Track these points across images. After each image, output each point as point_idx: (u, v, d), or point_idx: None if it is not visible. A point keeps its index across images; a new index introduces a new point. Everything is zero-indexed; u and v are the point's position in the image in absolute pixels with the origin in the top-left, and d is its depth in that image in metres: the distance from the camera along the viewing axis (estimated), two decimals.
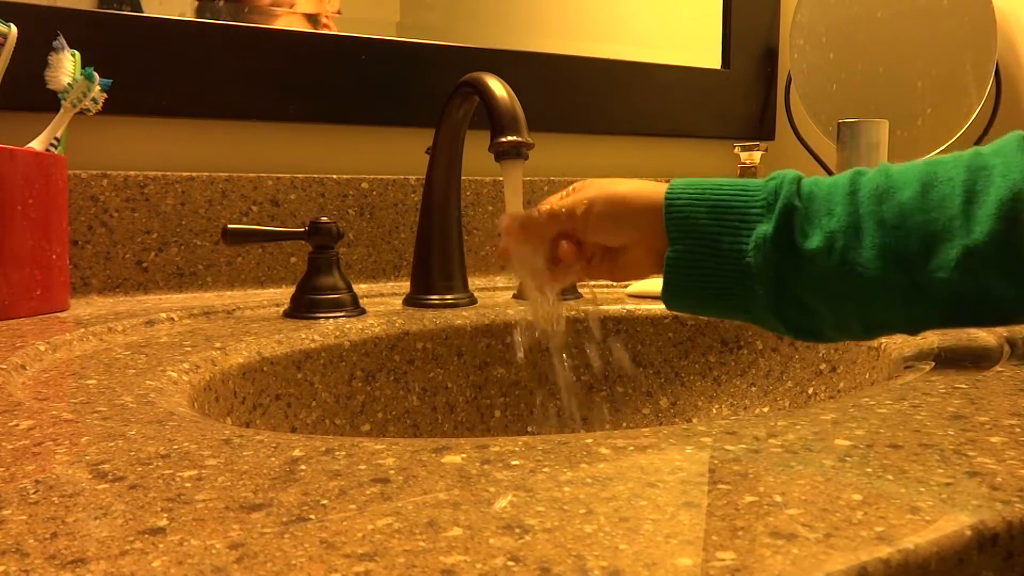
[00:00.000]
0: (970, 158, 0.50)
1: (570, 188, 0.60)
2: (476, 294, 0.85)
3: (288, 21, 0.93)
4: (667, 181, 0.56)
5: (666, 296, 0.55)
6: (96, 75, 0.71)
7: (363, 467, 0.32)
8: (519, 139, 0.69)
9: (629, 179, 0.59)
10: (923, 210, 0.49)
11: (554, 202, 0.59)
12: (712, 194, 0.54)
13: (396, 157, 1.00)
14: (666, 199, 0.55)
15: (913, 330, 0.53)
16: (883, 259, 0.49)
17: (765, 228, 0.52)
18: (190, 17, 0.88)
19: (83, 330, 0.61)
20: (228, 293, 0.87)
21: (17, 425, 0.38)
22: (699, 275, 0.54)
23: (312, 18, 0.95)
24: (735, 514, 0.27)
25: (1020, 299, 0.48)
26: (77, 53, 0.72)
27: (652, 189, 0.56)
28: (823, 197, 0.53)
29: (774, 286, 0.52)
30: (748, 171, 1.16)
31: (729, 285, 0.53)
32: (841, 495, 0.28)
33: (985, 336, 0.59)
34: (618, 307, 0.83)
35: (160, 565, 0.23)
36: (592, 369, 0.82)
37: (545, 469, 0.31)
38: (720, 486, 0.29)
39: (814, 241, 0.51)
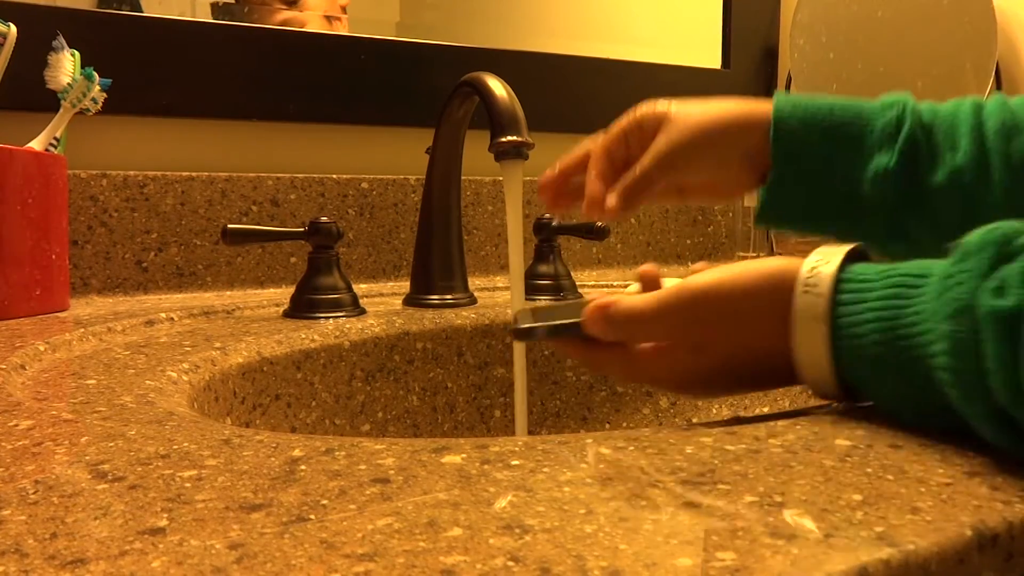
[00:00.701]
0: None
1: (633, 116, 0.55)
2: (476, 294, 0.85)
3: (312, 24, 0.94)
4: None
5: (762, 217, 0.53)
6: (96, 75, 0.71)
7: (363, 467, 0.32)
8: (519, 139, 0.69)
9: (707, 101, 0.54)
10: None
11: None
12: (826, 117, 0.50)
13: (396, 157, 1.00)
14: (774, 120, 0.51)
15: None
16: (1009, 199, 0.47)
17: (886, 160, 0.49)
18: (197, 18, 0.88)
19: (83, 330, 0.61)
20: (228, 293, 0.87)
21: (17, 425, 0.38)
22: (805, 200, 0.52)
23: (328, 17, 0.95)
24: (735, 514, 0.27)
25: None
26: (77, 53, 0.72)
27: (748, 109, 0.52)
28: (946, 129, 0.49)
29: (887, 217, 0.50)
30: None
31: (838, 213, 0.51)
32: (841, 495, 0.28)
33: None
34: None
35: (160, 565, 0.23)
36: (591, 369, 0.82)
37: (545, 469, 0.31)
38: (720, 486, 0.29)
39: (938, 177, 0.49)
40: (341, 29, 0.96)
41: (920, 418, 0.36)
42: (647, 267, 0.47)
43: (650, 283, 0.46)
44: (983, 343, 0.30)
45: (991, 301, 0.30)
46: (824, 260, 0.38)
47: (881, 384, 0.36)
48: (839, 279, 0.37)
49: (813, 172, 0.51)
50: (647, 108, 0.56)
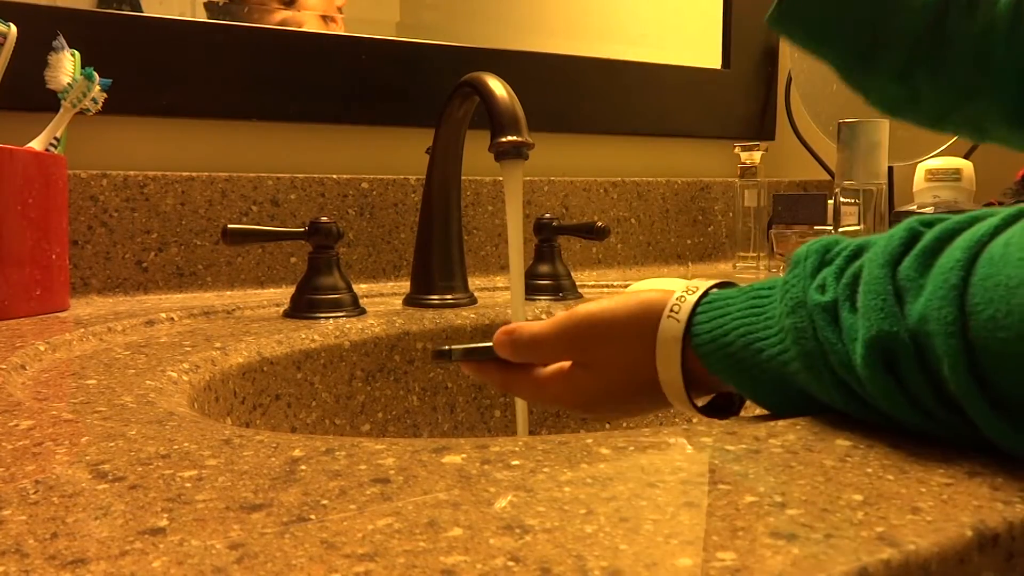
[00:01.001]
0: None
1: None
2: (476, 294, 0.85)
3: (309, 24, 0.93)
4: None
5: (783, 12, 0.55)
6: (96, 75, 0.71)
7: (363, 467, 0.32)
8: (519, 139, 0.69)
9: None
10: None
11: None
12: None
13: (396, 157, 1.00)
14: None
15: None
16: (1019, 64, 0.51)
17: None
18: (197, 18, 0.88)
19: (83, 330, 0.61)
20: (228, 293, 0.87)
21: (17, 425, 0.38)
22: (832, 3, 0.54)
23: (325, 17, 0.95)
24: (735, 514, 0.27)
25: None
26: (77, 53, 0.72)
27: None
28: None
29: (905, 52, 0.53)
30: (748, 171, 1.16)
31: (857, 31, 0.53)
32: (841, 495, 0.28)
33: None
34: None
35: (160, 565, 0.23)
36: None
37: (545, 469, 0.31)
38: (720, 486, 0.29)
39: (973, 25, 0.51)
40: (337, 30, 0.96)
41: (784, 407, 0.39)
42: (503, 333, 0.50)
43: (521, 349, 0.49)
44: (816, 330, 0.36)
45: (815, 296, 0.36)
46: (691, 290, 0.43)
47: (752, 382, 0.40)
48: (700, 302, 0.42)
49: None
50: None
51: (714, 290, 0.43)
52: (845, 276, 0.36)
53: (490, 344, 0.50)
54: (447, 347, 0.52)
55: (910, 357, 0.32)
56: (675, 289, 0.44)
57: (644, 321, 0.43)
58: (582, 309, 0.46)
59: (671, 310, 0.42)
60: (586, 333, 0.46)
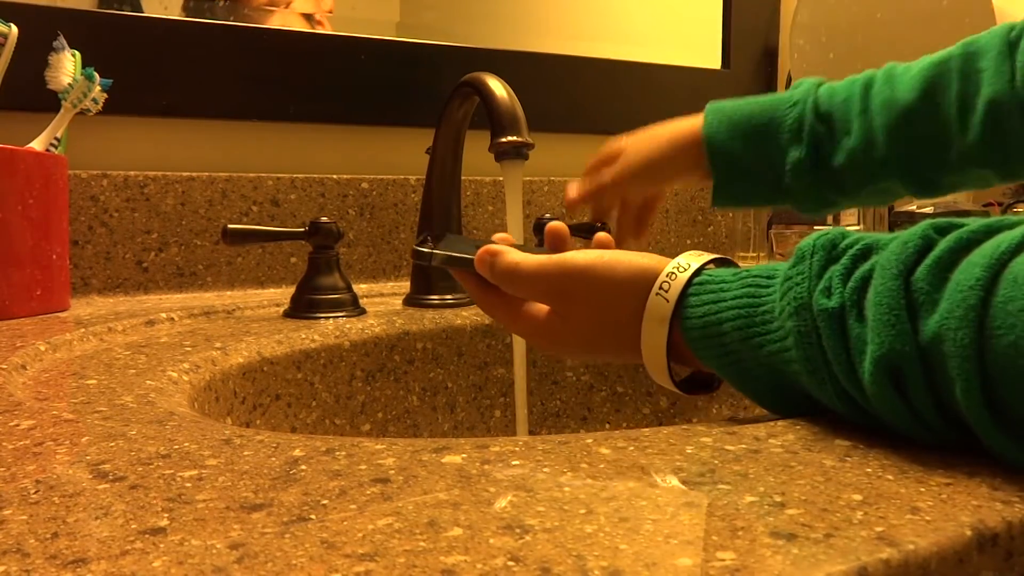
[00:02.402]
0: (963, 61, 0.59)
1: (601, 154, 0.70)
2: None
3: (283, 20, 0.93)
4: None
5: (715, 205, 0.68)
6: (96, 75, 0.71)
7: (363, 467, 0.32)
8: (519, 139, 0.69)
9: (654, 128, 0.68)
10: (927, 119, 0.59)
11: (586, 179, 0.70)
12: (747, 123, 0.64)
13: (396, 157, 1.00)
14: (705, 136, 0.65)
15: (918, 196, 0.65)
16: (896, 166, 0.61)
17: (797, 154, 0.63)
18: (176, 15, 0.88)
19: (83, 330, 0.61)
20: (228, 293, 0.87)
21: (18, 425, 0.38)
22: (743, 191, 0.66)
23: (307, 17, 0.95)
24: (735, 514, 0.27)
25: (1000, 179, 0.61)
26: (77, 53, 0.72)
27: (685, 130, 0.66)
28: (841, 115, 0.63)
29: (809, 193, 0.64)
30: None
31: (771, 196, 0.66)
32: (841, 495, 0.28)
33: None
34: None
35: (161, 565, 0.23)
36: (590, 369, 0.82)
37: (545, 469, 0.31)
38: (720, 486, 0.29)
39: (839, 159, 0.63)
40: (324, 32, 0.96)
41: (779, 404, 0.39)
42: (555, 225, 0.50)
43: (557, 242, 0.50)
44: (821, 337, 0.34)
45: (821, 300, 0.34)
46: (683, 267, 0.41)
47: (746, 376, 0.39)
48: (692, 283, 0.40)
49: (743, 171, 0.65)
50: (608, 145, 0.72)
51: (709, 266, 0.42)
52: (853, 279, 0.34)
53: (472, 258, 0.48)
54: (429, 248, 0.49)
55: (919, 376, 0.31)
56: (666, 263, 0.42)
57: (632, 290, 0.42)
58: (570, 260, 0.44)
59: (660, 287, 0.41)
60: (570, 287, 0.44)
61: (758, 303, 0.38)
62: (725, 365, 0.39)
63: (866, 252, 0.35)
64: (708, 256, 0.42)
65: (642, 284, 0.42)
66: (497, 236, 0.51)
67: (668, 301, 0.40)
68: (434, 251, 0.49)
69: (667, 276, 0.41)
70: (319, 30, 0.95)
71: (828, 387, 0.35)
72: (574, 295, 0.44)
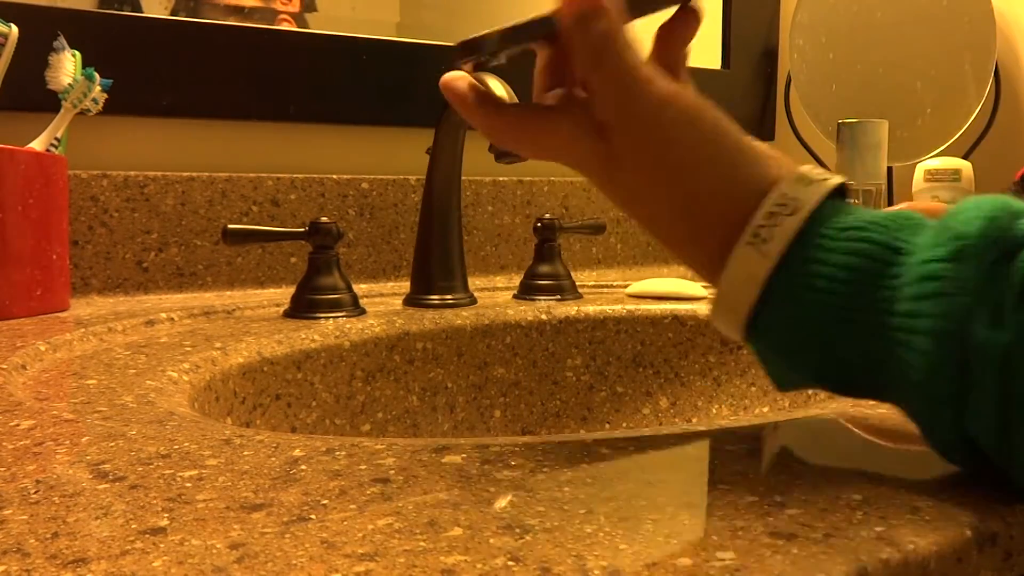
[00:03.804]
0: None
1: None
2: (476, 294, 0.85)
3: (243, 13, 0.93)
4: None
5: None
6: (97, 75, 0.71)
7: (363, 467, 0.32)
8: None
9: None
10: None
11: None
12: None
13: (396, 157, 1.00)
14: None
15: None
16: None
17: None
18: (163, 15, 0.88)
19: (83, 330, 0.61)
20: (228, 293, 0.87)
21: (18, 425, 0.38)
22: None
23: (267, 12, 0.94)
24: (735, 514, 0.27)
25: None
26: (78, 53, 0.72)
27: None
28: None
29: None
30: None
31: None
32: (841, 495, 0.28)
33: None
34: (618, 307, 0.83)
35: (161, 565, 0.23)
36: (590, 369, 0.82)
37: (545, 469, 0.31)
38: (720, 486, 0.29)
39: None
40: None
41: (845, 391, 0.31)
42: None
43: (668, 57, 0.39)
44: (971, 375, 0.25)
45: (987, 332, 0.25)
46: (790, 205, 0.30)
47: (823, 359, 0.30)
48: (801, 233, 0.30)
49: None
50: None
51: (832, 200, 0.30)
52: None
53: (550, 17, 0.37)
54: (478, 36, 0.36)
55: None
56: (772, 183, 0.31)
57: (733, 204, 0.32)
58: (694, 107, 0.34)
59: (755, 233, 0.30)
60: (672, 116, 0.34)
61: (872, 288, 0.28)
62: (798, 352, 0.30)
63: None
64: (821, 190, 0.31)
65: (747, 200, 0.32)
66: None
67: (767, 257, 0.30)
68: (485, 33, 0.37)
69: (767, 219, 0.30)
70: (287, 28, 0.95)
71: (947, 431, 0.27)
72: (646, 148, 0.34)
